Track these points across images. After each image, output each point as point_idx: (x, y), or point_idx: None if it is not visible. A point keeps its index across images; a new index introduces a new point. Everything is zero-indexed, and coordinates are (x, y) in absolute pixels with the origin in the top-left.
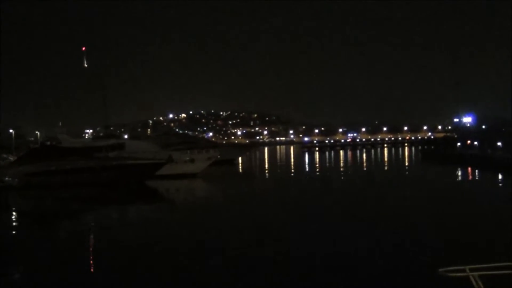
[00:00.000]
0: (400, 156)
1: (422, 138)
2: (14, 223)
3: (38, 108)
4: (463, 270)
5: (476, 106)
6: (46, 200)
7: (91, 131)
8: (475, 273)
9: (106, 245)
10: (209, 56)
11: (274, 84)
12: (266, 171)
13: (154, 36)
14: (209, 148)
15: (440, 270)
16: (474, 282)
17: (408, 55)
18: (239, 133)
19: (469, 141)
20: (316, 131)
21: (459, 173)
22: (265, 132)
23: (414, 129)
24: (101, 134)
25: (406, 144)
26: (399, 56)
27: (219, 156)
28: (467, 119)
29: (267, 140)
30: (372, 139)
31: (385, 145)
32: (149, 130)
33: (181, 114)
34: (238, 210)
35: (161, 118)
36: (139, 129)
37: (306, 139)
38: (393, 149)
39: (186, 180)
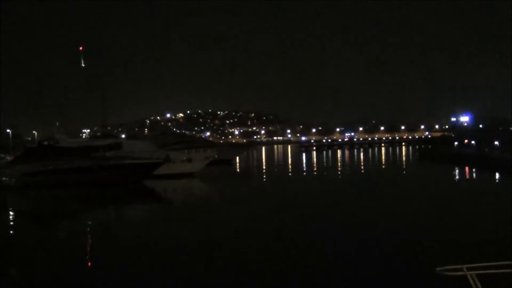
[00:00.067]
0: (398, 155)
1: (420, 138)
2: (11, 223)
3: (36, 108)
4: (461, 269)
5: (473, 106)
6: (43, 199)
7: (88, 130)
8: (472, 272)
9: (104, 245)
10: (207, 56)
11: (272, 84)
12: (264, 170)
13: (153, 36)
14: (206, 147)
15: (438, 269)
16: (471, 281)
17: (406, 54)
18: (236, 132)
19: (466, 140)
20: (314, 130)
21: (457, 172)
22: (263, 132)
23: (412, 128)
24: (98, 133)
25: (403, 144)
26: (397, 56)
27: (216, 156)
28: (464, 119)
29: (264, 140)
30: (370, 139)
31: (383, 144)
32: (146, 129)
33: (178, 113)
34: (236, 210)
35: (158, 117)
36: (136, 129)
37: (303, 138)
38: (390, 149)
39: (183, 180)
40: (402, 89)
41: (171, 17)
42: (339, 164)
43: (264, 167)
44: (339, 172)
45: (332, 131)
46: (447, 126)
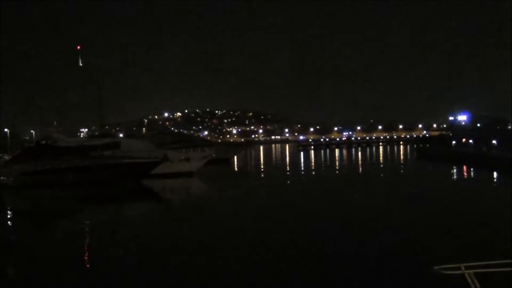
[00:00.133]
0: (396, 155)
1: (417, 136)
2: (10, 222)
3: (35, 108)
4: (458, 268)
5: (471, 105)
6: (41, 199)
7: (86, 130)
8: (470, 271)
9: (103, 244)
10: (206, 55)
11: (270, 83)
12: (262, 170)
13: (151, 35)
14: (204, 147)
15: (436, 267)
16: (469, 280)
17: (404, 54)
18: (234, 131)
19: (464, 139)
20: (312, 129)
21: (455, 171)
22: (261, 131)
23: (409, 127)
24: (96, 133)
25: (401, 142)
26: (395, 55)
27: (214, 155)
28: (462, 118)
29: (262, 139)
30: (368, 138)
31: (381, 143)
32: (144, 129)
33: (176, 113)
34: (234, 209)
35: (156, 117)
36: (134, 128)
37: (301, 137)
38: (388, 147)
39: (181, 179)
40: (400, 89)
41: (171, 17)
42: (337, 163)
43: (262, 166)
44: (337, 171)
45: (330, 130)
46: (445, 125)
